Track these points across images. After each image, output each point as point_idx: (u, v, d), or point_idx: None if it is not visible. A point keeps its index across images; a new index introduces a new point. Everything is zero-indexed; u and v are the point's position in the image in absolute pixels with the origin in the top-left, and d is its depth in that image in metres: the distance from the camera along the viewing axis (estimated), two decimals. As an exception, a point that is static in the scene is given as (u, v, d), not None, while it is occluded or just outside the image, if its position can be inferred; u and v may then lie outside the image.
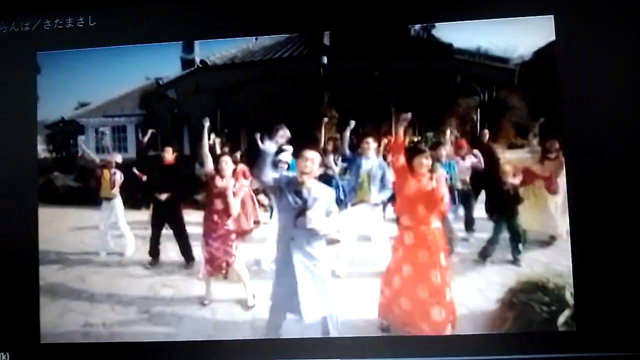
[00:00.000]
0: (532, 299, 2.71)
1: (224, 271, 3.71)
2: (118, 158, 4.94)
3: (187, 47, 5.59)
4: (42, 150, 5.59)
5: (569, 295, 2.66)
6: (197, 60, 5.36)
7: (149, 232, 4.28)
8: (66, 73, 4.53)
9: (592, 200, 3.23)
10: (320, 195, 2.82)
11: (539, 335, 2.89)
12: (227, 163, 4.15)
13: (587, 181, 3.25)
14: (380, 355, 2.95)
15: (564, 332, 2.74)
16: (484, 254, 3.42)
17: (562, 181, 3.96)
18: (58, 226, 4.40)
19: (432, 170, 3.24)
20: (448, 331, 2.86)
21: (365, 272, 3.23)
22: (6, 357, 3.44)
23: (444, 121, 5.18)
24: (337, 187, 3.94)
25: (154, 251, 4.10)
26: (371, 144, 4.29)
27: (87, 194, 4.94)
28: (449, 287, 2.90)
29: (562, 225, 3.70)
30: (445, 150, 4.20)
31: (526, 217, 3.93)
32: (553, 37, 3.63)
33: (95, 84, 4.76)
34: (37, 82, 4.63)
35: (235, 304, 3.36)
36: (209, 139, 4.60)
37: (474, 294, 2.94)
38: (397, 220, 3.19)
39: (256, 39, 5.38)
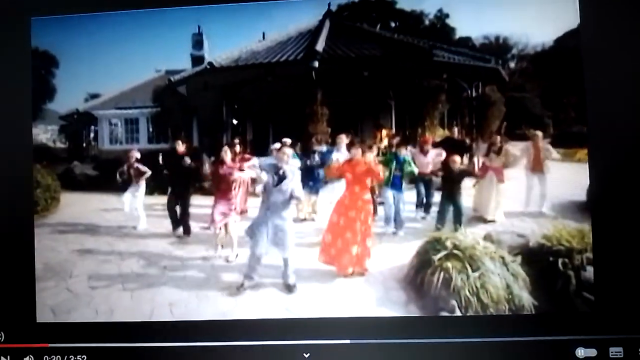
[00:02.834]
0: (428, 247, 4.04)
1: (222, 229, 5.01)
2: (137, 154, 5.96)
3: (196, 44, 6.92)
4: (57, 140, 7.04)
5: (449, 243, 3.87)
6: (206, 56, 6.55)
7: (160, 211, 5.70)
8: (78, 65, 5.36)
9: (615, 189, 3.46)
10: (290, 175, 4.28)
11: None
12: (226, 152, 5.31)
13: (610, 170, 3.47)
14: (386, 336, 3.49)
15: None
16: (440, 224, 4.81)
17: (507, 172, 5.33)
18: (83, 208, 5.79)
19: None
20: (364, 265, 4.33)
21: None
22: (0, 336, 3.70)
23: (425, 116, 6.50)
24: (316, 173, 5.49)
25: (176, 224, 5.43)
26: (344, 139, 5.57)
27: (107, 182, 5.99)
28: (370, 237, 4.43)
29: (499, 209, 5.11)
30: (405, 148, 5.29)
31: (476, 201, 5.25)
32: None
33: (106, 76, 5.62)
34: (55, 74, 5.47)
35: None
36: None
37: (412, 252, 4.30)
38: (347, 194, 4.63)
39: (264, 37, 6.72)
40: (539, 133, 5.40)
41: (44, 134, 6.87)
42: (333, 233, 4.47)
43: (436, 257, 3.71)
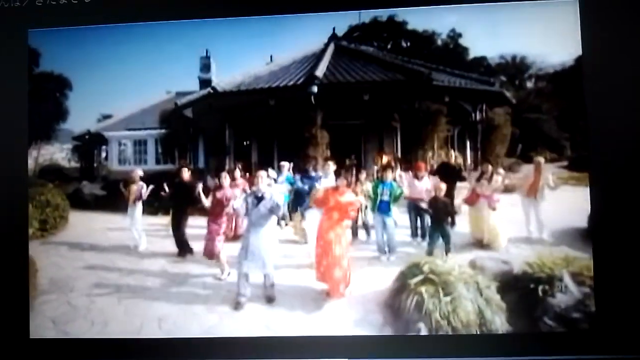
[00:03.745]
0: (407, 271, 4.31)
1: (214, 257, 5.31)
2: (140, 172, 6.29)
3: (204, 67, 7.37)
4: (69, 159, 7.39)
5: (426, 268, 4.13)
6: (214, 79, 6.91)
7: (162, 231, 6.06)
8: (92, 86, 5.76)
9: (615, 211, 3.75)
10: (268, 195, 4.69)
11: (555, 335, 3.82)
12: (225, 177, 5.59)
13: (611, 192, 3.77)
14: (386, 355, 3.81)
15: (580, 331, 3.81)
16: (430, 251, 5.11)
17: (500, 198, 5.49)
18: (90, 226, 6.15)
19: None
20: (341, 290, 4.54)
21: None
22: (-7, 353, 3.86)
23: (424, 140, 6.73)
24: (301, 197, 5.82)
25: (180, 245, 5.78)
26: (331, 166, 5.84)
27: (114, 202, 6.31)
28: (346, 258, 4.65)
29: (498, 235, 5.22)
30: (392, 173, 5.43)
31: (472, 228, 5.48)
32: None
33: (118, 97, 6.11)
34: (68, 96, 6.07)
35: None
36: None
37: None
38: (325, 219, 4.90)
39: (271, 59, 7.08)
40: (541, 159, 5.64)
41: (60, 152, 7.39)
42: (319, 256, 4.74)
43: (412, 282, 3.98)
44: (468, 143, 7.37)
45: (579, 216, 4.38)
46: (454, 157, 7.13)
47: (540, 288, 3.95)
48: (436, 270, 3.96)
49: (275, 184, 5.49)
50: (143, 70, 5.88)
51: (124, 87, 5.94)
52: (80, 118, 6.74)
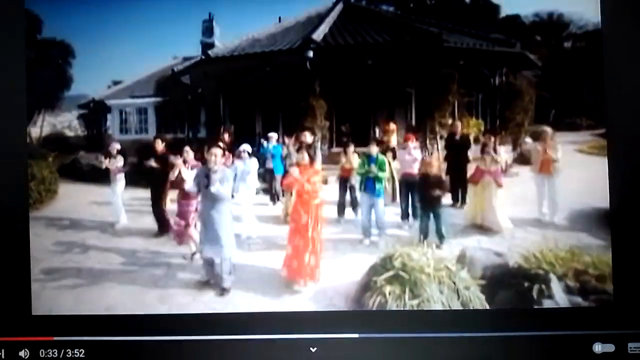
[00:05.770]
0: (379, 264, 3.84)
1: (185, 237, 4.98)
2: (117, 145, 6.00)
3: (207, 30, 7.08)
4: (73, 128, 7.37)
5: (397, 262, 3.67)
6: (217, 43, 6.73)
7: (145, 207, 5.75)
8: (100, 52, 5.63)
9: (634, 187, 3.52)
10: (220, 174, 4.32)
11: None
12: (188, 152, 5.32)
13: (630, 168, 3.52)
14: (395, 330, 3.49)
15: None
16: (424, 235, 4.68)
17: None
18: (77, 200, 6.03)
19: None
20: (316, 276, 4.28)
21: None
22: (-7, 329, 3.70)
23: (434, 109, 6.21)
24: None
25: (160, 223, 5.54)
26: (307, 136, 5.64)
27: (108, 174, 5.95)
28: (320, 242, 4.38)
29: (502, 217, 4.87)
30: (377, 146, 5.07)
31: (471, 208, 5.09)
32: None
33: (127, 62, 6.00)
34: (71, 64, 6.07)
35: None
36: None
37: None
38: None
39: (280, 21, 6.71)
40: (548, 130, 5.15)
41: (76, 119, 7.47)
42: (292, 244, 4.41)
43: (379, 279, 3.56)
44: (489, 110, 6.83)
45: (602, 194, 3.90)
46: (472, 125, 6.57)
47: (535, 288, 3.46)
48: (408, 265, 3.50)
49: (249, 157, 5.28)
50: (148, 35, 5.73)
51: (129, 52, 5.82)
52: (87, 85, 6.69)
